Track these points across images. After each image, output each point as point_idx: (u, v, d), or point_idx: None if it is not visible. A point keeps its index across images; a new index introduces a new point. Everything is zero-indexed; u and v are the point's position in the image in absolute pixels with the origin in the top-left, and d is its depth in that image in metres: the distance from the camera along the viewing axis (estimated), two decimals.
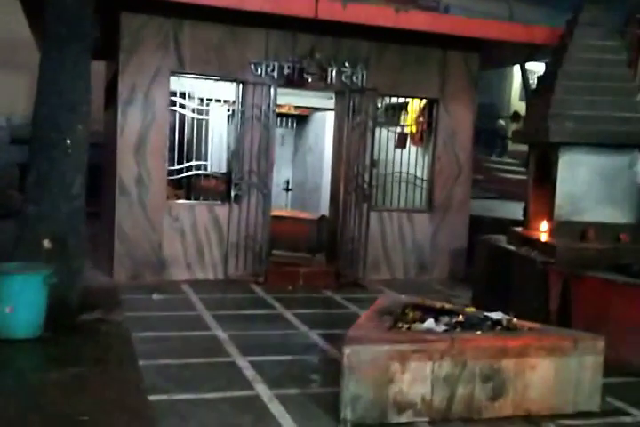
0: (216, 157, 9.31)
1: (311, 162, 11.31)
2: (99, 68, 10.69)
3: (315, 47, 8.51)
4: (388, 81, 9.04)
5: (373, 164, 8.74)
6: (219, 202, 8.52)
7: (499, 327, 4.88)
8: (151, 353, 5.40)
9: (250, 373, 5.08)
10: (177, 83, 8.43)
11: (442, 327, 4.84)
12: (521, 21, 10.25)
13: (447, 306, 5.39)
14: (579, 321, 5.98)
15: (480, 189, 18.47)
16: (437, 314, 5.13)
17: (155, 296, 7.34)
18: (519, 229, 7.79)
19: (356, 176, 8.74)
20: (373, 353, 4.23)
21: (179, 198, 8.75)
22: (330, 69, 8.76)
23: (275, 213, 9.21)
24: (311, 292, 8.22)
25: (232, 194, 8.44)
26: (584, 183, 7.02)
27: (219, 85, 8.72)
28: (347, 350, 4.17)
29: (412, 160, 9.51)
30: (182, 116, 8.53)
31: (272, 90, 8.46)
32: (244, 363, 5.29)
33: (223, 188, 8.66)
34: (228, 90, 8.67)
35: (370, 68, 8.97)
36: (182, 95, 8.44)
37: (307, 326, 6.52)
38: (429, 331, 4.70)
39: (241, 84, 8.49)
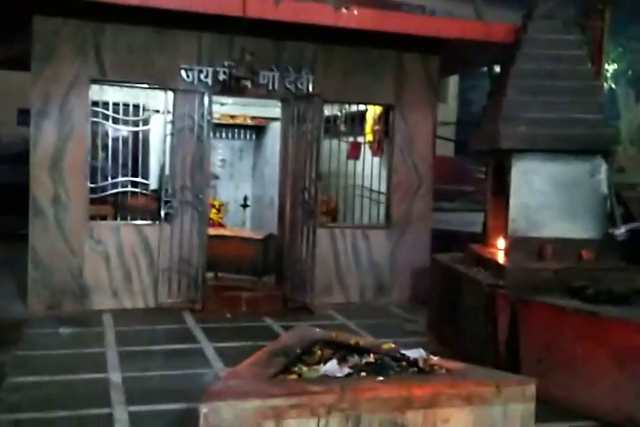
0: (155, 173, 8.58)
1: (268, 175, 10.52)
2: None
3: (251, 51, 7.75)
4: (336, 86, 8.27)
5: (319, 177, 7.94)
6: (148, 222, 7.74)
7: (413, 369, 4.07)
8: (17, 405, 4.60)
9: None
10: (107, 93, 7.72)
11: (345, 371, 4.01)
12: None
13: (362, 342, 4.56)
14: (528, 354, 5.16)
15: (470, 201, 17.66)
16: (349, 352, 4.34)
17: (62, 330, 6.53)
18: (476, 246, 7.00)
19: (302, 190, 7.97)
20: (239, 411, 3.40)
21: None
22: (271, 75, 8.04)
23: (216, 232, 8.46)
24: (251, 320, 7.41)
25: (162, 213, 7.67)
26: (540, 194, 6.22)
27: (158, 95, 7.97)
28: (203, 409, 3.35)
29: (369, 172, 8.73)
30: (113, 129, 7.83)
31: (206, 98, 7.72)
32: (121, 415, 4.46)
33: (154, 206, 7.88)
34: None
35: (316, 72, 8.22)
36: (107, 105, 7.69)
37: (223, 363, 5.71)
38: (324, 377, 3.88)
39: (171, 93, 7.76)
